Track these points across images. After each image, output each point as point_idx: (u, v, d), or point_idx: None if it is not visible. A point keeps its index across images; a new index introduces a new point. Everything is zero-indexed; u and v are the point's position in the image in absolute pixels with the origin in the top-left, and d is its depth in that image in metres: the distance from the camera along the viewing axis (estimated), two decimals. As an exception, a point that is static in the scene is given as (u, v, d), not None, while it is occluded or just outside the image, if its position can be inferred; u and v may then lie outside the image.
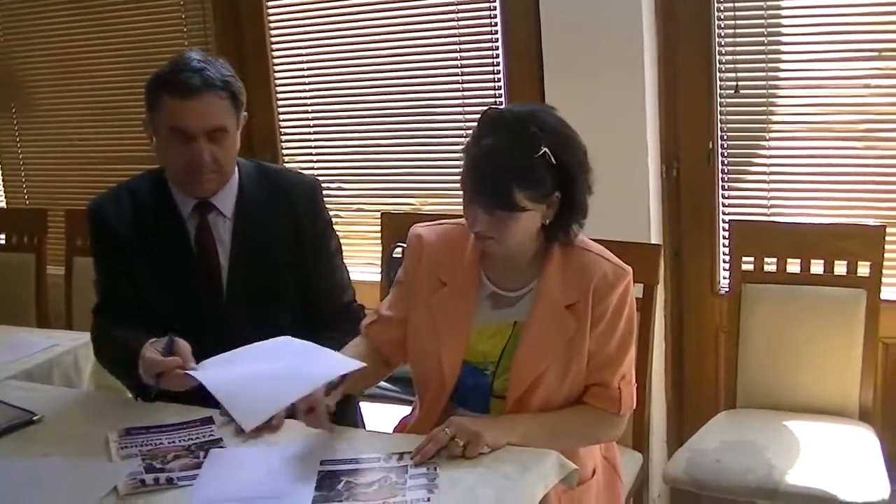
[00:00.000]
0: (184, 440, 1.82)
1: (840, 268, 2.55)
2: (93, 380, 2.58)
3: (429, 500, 1.54)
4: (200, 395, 1.78)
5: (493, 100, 3.16)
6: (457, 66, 3.20)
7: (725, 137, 2.89)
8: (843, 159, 2.75)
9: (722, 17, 2.80)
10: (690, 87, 2.88)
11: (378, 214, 3.11)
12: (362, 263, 3.38)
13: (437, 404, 1.88)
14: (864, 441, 2.38)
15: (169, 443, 1.81)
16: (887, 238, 2.51)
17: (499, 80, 3.14)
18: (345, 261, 2.28)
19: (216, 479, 1.67)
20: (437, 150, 3.31)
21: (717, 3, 2.79)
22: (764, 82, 2.79)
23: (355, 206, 3.51)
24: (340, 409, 1.83)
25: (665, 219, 2.96)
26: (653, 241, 2.82)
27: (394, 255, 2.87)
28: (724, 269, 2.91)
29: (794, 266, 2.60)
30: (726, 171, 2.91)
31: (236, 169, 2.14)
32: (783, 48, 2.76)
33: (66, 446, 1.83)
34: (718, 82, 2.84)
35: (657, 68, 2.87)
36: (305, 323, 2.14)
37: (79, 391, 2.46)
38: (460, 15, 3.16)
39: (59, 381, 2.45)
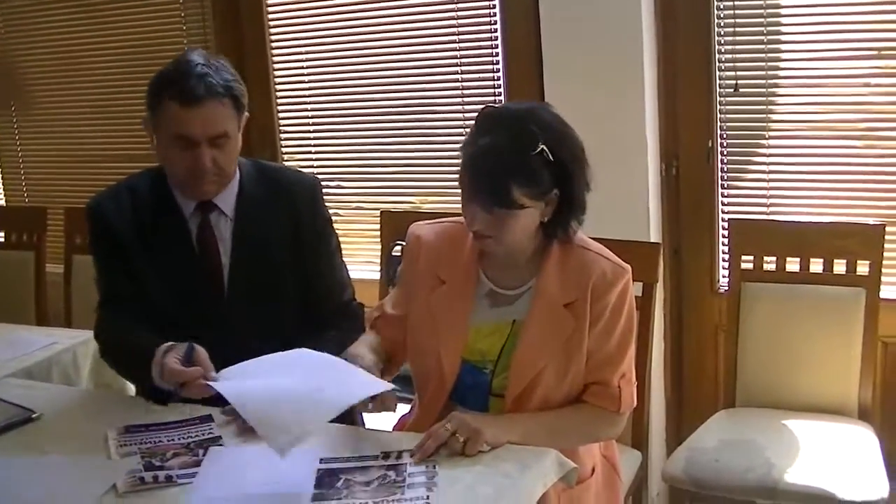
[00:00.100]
0: (183, 438, 1.81)
1: (839, 267, 2.55)
2: (92, 378, 2.58)
3: (428, 498, 1.54)
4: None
5: (492, 98, 3.16)
6: (456, 65, 3.20)
7: (725, 136, 2.89)
8: (842, 158, 2.75)
9: (722, 15, 2.79)
10: (690, 86, 2.88)
11: (377, 212, 3.11)
12: (361, 262, 3.38)
13: (436, 402, 1.88)
14: (864, 440, 2.38)
15: (168, 441, 1.81)
16: (887, 237, 2.51)
17: (498, 79, 3.14)
18: (344, 259, 2.28)
19: (215, 477, 1.66)
20: (437, 148, 3.31)
21: (717, 1, 2.79)
22: (763, 81, 2.79)
23: (354, 205, 3.51)
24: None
25: (664, 217, 2.96)
26: (652, 240, 2.82)
27: (393, 254, 2.87)
28: (724, 268, 2.91)
29: (793, 265, 2.60)
30: (726, 169, 2.91)
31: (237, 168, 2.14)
32: (783, 46, 2.76)
33: (66, 444, 1.83)
34: (718, 81, 2.84)
35: (657, 67, 2.87)
36: (305, 321, 2.14)
37: (78, 389, 2.46)
38: (460, 14, 3.16)
39: (58, 379, 2.45)
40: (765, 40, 2.76)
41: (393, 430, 2.01)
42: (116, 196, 2.14)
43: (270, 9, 3.50)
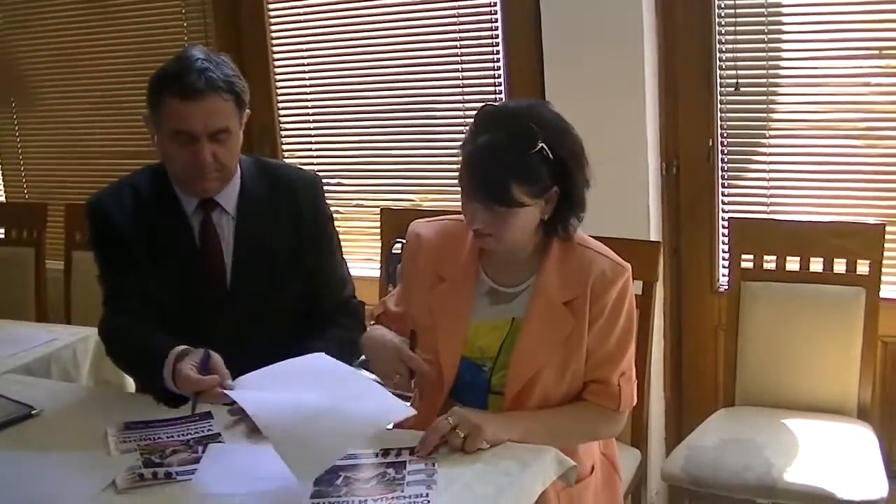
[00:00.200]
0: (182, 435, 1.81)
1: (839, 266, 2.55)
2: (91, 374, 2.58)
3: (427, 495, 1.54)
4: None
5: (493, 97, 3.16)
6: (457, 63, 3.20)
7: (725, 135, 2.89)
8: (843, 157, 2.75)
9: (722, 14, 2.79)
10: (690, 85, 2.88)
11: (377, 210, 3.11)
12: (361, 259, 3.38)
13: (435, 400, 1.88)
14: (863, 439, 2.38)
15: (167, 437, 1.81)
16: (887, 236, 2.51)
17: (499, 77, 3.14)
18: (344, 256, 2.28)
19: (215, 474, 1.66)
20: (437, 146, 3.30)
21: (718, 0, 2.79)
22: (764, 80, 2.79)
23: (355, 202, 3.51)
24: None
25: (664, 216, 2.96)
26: (652, 239, 2.82)
27: (393, 251, 2.86)
28: (724, 267, 2.91)
29: (793, 264, 2.60)
30: (726, 168, 2.91)
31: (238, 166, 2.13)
32: (784, 45, 2.76)
33: (65, 440, 1.83)
34: (718, 80, 2.84)
35: (657, 66, 2.87)
36: (306, 317, 2.14)
37: (77, 385, 2.47)
38: (460, 12, 3.16)
39: (58, 376, 2.45)
40: (765, 39, 2.76)
41: (392, 427, 2.01)
42: (118, 193, 2.13)
43: (271, 6, 3.50)
